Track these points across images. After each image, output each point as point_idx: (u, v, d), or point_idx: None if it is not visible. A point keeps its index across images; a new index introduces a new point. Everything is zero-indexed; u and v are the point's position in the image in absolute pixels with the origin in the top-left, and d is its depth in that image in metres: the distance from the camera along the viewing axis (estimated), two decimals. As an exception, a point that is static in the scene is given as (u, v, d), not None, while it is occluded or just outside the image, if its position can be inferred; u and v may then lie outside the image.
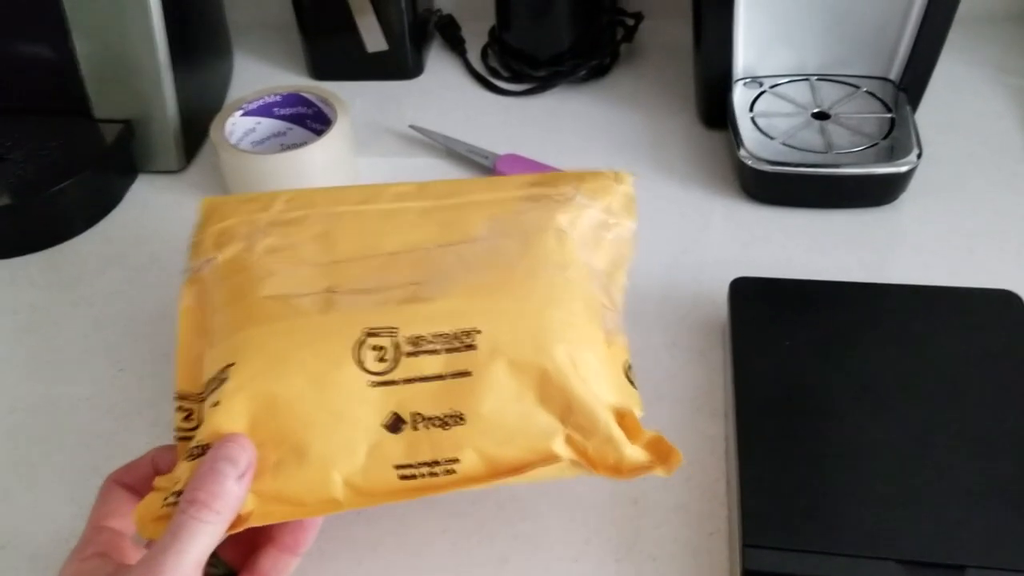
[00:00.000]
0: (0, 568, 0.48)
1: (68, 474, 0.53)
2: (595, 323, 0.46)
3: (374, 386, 0.42)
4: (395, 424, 0.42)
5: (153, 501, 0.41)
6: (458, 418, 0.42)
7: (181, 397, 0.45)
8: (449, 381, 0.42)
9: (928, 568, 0.41)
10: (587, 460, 0.42)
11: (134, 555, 0.41)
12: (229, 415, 0.41)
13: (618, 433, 0.43)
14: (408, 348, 0.42)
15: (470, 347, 0.42)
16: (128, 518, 0.42)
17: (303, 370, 0.42)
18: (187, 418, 0.45)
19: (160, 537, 0.38)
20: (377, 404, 0.42)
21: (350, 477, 0.42)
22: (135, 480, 0.44)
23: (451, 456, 0.42)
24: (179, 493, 0.40)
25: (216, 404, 0.42)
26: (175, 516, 0.38)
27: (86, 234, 0.69)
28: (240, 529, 0.40)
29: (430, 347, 0.42)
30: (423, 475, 0.42)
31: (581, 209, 0.50)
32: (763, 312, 0.54)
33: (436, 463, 0.42)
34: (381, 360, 0.42)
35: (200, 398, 0.44)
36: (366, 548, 0.48)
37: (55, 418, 0.56)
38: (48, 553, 0.49)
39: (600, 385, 0.44)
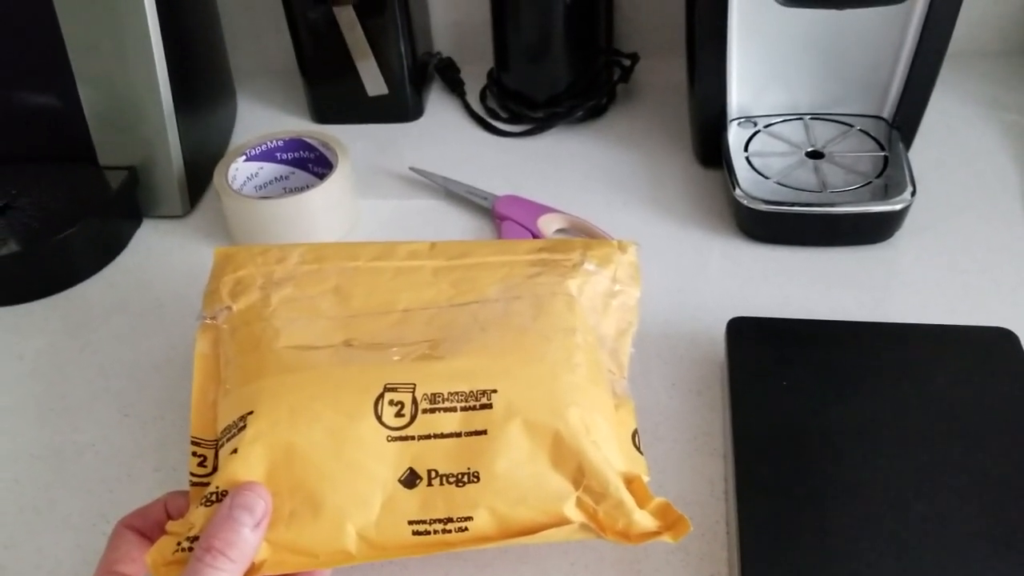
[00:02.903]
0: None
1: (73, 520, 0.53)
2: (604, 388, 0.47)
3: (391, 441, 0.43)
4: (411, 479, 0.43)
5: (166, 545, 0.42)
6: (473, 476, 0.43)
7: (195, 443, 0.46)
8: (465, 439, 0.43)
9: (926, 609, 0.41)
10: (597, 524, 0.43)
11: None
12: (247, 463, 0.42)
13: (628, 498, 0.43)
14: (426, 405, 0.43)
15: (486, 406, 0.43)
16: (139, 563, 0.42)
17: (323, 422, 0.43)
18: (201, 464, 0.45)
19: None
20: (394, 459, 0.43)
21: (364, 530, 0.42)
22: (146, 525, 0.44)
23: (465, 514, 0.43)
24: (193, 539, 0.41)
25: (234, 451, 0.42)
26: (191, 563, 0.39)
27: (92, 280, 0.70)
28: None
29: (447, 405, 0.43)
30: (436, 531, 0.43)
31: (589, 275, 0.52)
32: (761, 352, 0.54)
33: (450, 520, 0.43)
34: (399, 415, 0.43)
35: (215, 444, 0.45)
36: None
37: (60, 464, 0.56)
38: (53, 600, 0.49)
39: (610, 450, 0.44)
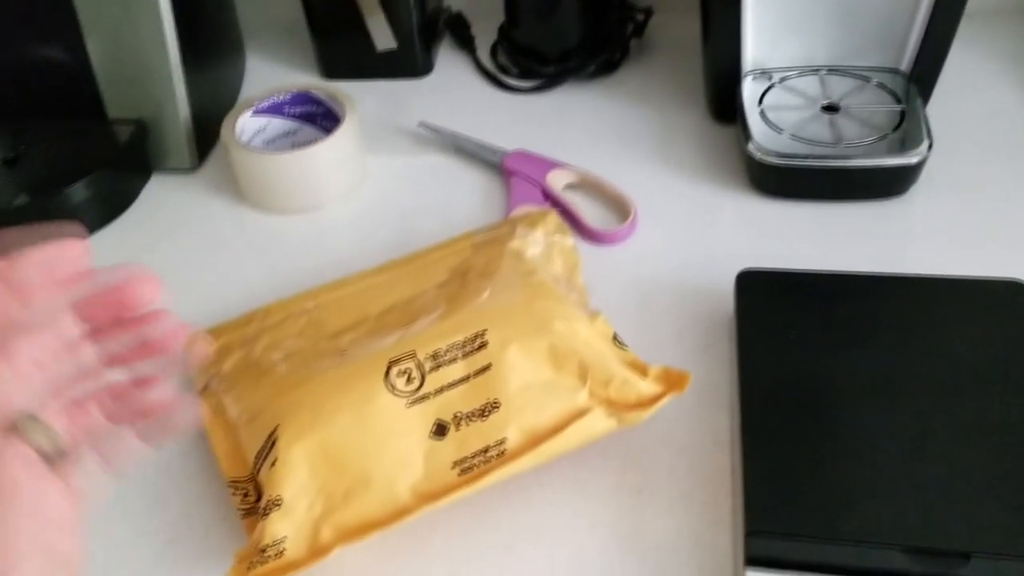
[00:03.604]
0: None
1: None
2: (575, 307, 0.53)
3: (410, 405, 0.47)
4: (440, 430, 0.47)
5: (240, 567, 0.44)
6: (493, 405, 0.47)
7: (234, 483, 0.49)
8: (475, 379, 0.48)
9: (933, 556, 0.41)
10: (612, 405, 0.48)
11: None
12: (289, 467, 0.45)
13: (631, 374, 0.49)
14: (430, 364, 0.48)
15: (482, 345, 0.48)
16: None
17: (343, 410, 0.47)
18: (245, 497, 0.48)
19: None
20: (419, 419, 0.47)
21: (415, 486, 0.46)
22: None
23: (498, 438, 0.47)
24: (264, 549, 0.44)
25: (273, 464, 0.45)
26: None
27: (101, 233, 0.70)
28: (319, 561, 0.44)
29: (449, 357, 0.48)
30: (478, 464, 0.47)
31: (524, 237, 0.58)
32: (769, 304, 0.53)
33: (487, 448, 0.47)
34: (410, 381, 0.47)
35: (253, 475, 0.48)
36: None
37: (68, 412, 0.57)
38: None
39: (602, 349, 0.50)
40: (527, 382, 0.48)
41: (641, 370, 0.50)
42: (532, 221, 0.60)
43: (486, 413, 0.47)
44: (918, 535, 0.42)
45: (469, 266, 0.57)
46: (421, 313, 0.53)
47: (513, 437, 0.47)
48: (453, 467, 0.46)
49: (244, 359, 0.54)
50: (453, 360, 0.48)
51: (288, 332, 0.55)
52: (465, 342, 0.48)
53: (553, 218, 0.61)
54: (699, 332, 0.58)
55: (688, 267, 0.62)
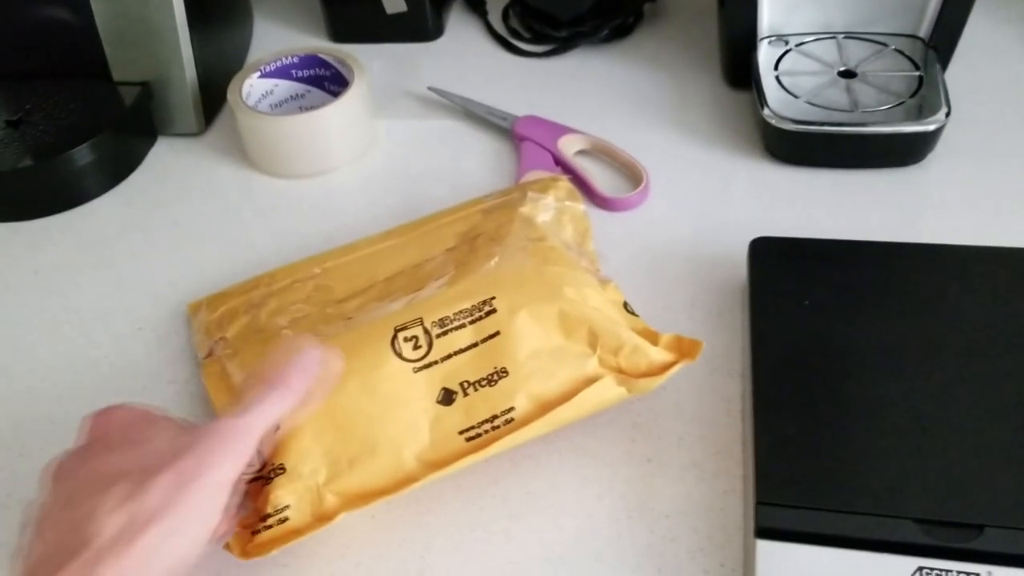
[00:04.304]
0: (15, 523, 0.49)
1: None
2: (586, 273, 0.52)
3: (417, 371, 0.46)
4: (447, 397, 0.46)
5: (244, 533, 0.44)
6: (501, 372, 0.47)
7: None
8: (482, 346, 0.47)
9: (946, 527, 0.40)
10: (622, 372, 0.47)
11: None
12: (293, 433, 0.45)
13: (641, 341, 0.48)
14: (437, 331, 0.47)
15: (491, 312, 0.48)
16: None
17: (350, 377, 0.45)
18: (248, 464, 0.46)
19: (244, 400, 0.41)
20: (425, 385, 0.46)
21: (421, 453, 0.45)
22: None
23: (506, 406, 0.46)
24: (267, 516, 0.44)
25: (277, 428, 0.44)
26: (258, 388, 0.42)
27: (107, 196, 0.70)
28: (331, 522, 0.44)
29: (456, 323, 0.47)
30: (486, 431, 0.46)
31: (534, 202, 0.57)
32: (782, 272, 0.53)
33: (495, 417, 0.46)
34: (416, 347, 0.47)
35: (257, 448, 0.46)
36: (379, 503, 0.48)
37: (75, 376, 0.57)
38: (66, 507, 0.49)
39: (613, 315, 0.49)
40: (536, 349, 0.47)
41: (652, 338, 0.49)
42: (543, 186, 0.59)
43: (494, 380, 0.46)
44: (931, 507, 0.41)
45: (478, 232, 0.56)
46: (429, 279, 0.52)
47: (521, 405, 0.46)
48: (460, 434, 0.46)
49: (249, 324, 0.53)
50: (461, 326, 0.47)
51: (294, 297, 0.54)
52: (473, 308, 0.48)
53: (564, 184, 0.60)
54: (711, 300, 0.57)
55: (701, 234, 0.62)
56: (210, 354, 0.54)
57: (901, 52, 0.69)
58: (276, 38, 0.85)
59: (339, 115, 0.68)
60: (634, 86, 0.76)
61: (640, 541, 0.45)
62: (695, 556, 0.45)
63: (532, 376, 0.47)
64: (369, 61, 0.72)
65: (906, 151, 0.65)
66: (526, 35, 0.82)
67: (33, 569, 0.36)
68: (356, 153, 0.71)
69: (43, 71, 0.73)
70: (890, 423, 0.44)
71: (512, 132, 0.71)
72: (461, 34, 0.84)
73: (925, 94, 0.65)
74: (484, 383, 0.46)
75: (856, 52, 0.69)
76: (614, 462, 0.49)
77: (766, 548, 0.41)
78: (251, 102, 0.69)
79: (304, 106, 0.74)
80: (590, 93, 0.75)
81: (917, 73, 0.67)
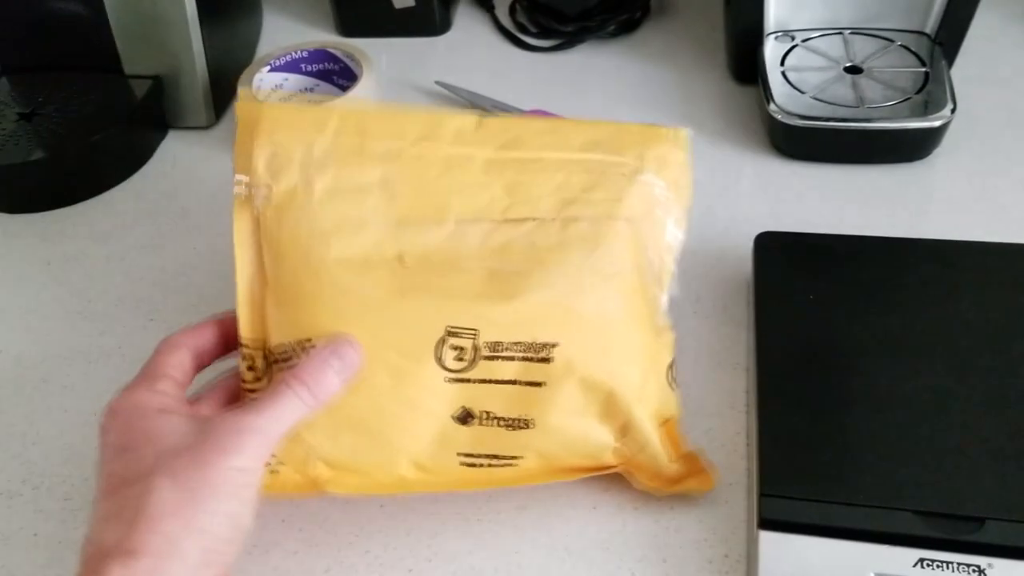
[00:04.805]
0: (35, 507, 0.50)
1: (99, 420, 0.54)
2: (652, 329, 0.48)
3: (449, 382, 0.44)
4: (464, 417, 0.44)
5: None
6: (525, 423, 0.44)
7: (243, 345, 0.45)
8: (521, 387, 0.44)
9: (947, 520, 0.41)
10: (633, 467, 0.46)
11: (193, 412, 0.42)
12: None
13: (663, 455, 0.46)
14: (486, 352, 0.44)
15: (545, 360, 0.44)
16: (188, 378, 0.44)
17: (385, 364, 0.43)
18: (250, 368, 0.45)
19: (259, 399, 0.40)
20: (450, 398, 0.44)
21: (417, 457, 0.44)
22: (196, 345, 0.45)
23: (513, 454, 0.45)
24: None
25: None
26: (276, 383, 0.41)
27: (118, 188, 0.70)
28: (318, 494, 0.43)
29: (507, 353, 0.44)
30: (484, 465, 0.45)
31: (646, 188, 0.48)
32: (788, 266, 0.53)
33: (497, 457, 0.45)
34: (459, 359, 0.44)
35: (267, 355, 0.45)
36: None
37: (87, 366, 0.57)
38: (81, 494, 0.50)
39: (651, 398, 0.46)
40: (568, 419, 0.45)
41: (674, 442, 0.47)
42: (663, 160, 0.49)
43: (514, 426, 0.44)
44: (932, 499, 0.42)
45: (575, 214, 0.47)
46: (506, 256, 0.46)
47: (528, 459, 0.45)
48: (459, 455, 0.45)
49: (299, 194, 0.46)
50: (510, 359, 0.44)
51: (357, 179, 0.47)
52: (531, 347, 0.44)
53: (681, 160, 0.50)
54: (717, 294, 0.58)
55: (706, 228, 0.62)
56: (250, 196, 0.46)
57: (907, 48, 0.69)
58: (285, 32, 0.86)
59: (348, 109, 0.68)
60: (640, 81, 0.76)
61: (646, 531, 0.46)
62: (700, 547, 0.45)
63: (550, 441, 0.45)
64: (377, 55, 0.73)
65: (912, 147, 0.65)
66: (533, 30, 0.83)
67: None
68: (365, 147, 0.71)
69: (55, 65, 0.73)
70: (893, 416, 0.45)
71: (519, 126, 0.71)
72: (468, 29, 0.85)
73: (931, 90, 0.65)
74: (504, 424, 0.44)
75: (862, 48, 0.69)
76: (620, 455, 0.49)
77: (769, 539, 0.41)
78: (261, 96, 0.70)
79: (313, 100, 0.74)
80: (597, 88, 0.76)
81: (923, 69, 0.67)
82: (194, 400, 0.44)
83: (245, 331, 0.45)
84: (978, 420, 0.44)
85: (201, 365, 0.45)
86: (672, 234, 0.50)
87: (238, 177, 0.46)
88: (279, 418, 0.40)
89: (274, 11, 0.88)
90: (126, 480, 0.37)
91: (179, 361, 0.43)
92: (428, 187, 0.47)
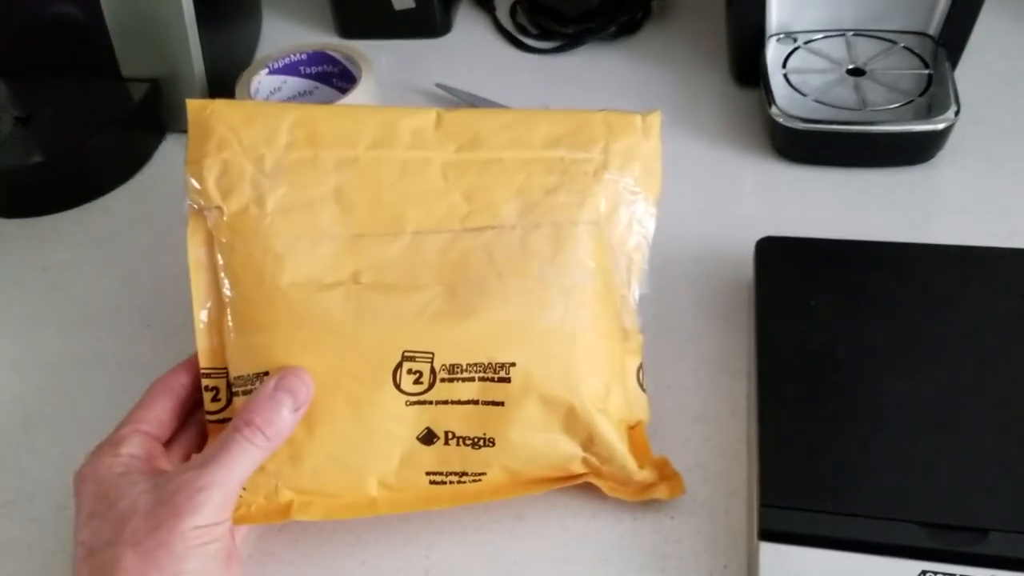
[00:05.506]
0: (29, 517, 0.49)
1: (96, 428, 0.53)
2: (617, 337, 0.47)
3: (410, 405, 0.44)
4: (428, 438, 0.44)
5: None
6: (489, 441, 0.44)
7: (205, 374, 0.45)
8: (482, 407, 0.44)
9: (950, 531, 0.40)
10: (600, 477, 0.46)
11: (166, 465, 0.43)
12: None
13: (631, 462, 0.46)
14: (444, 375, 0.44)
15: (504, 380, 0.44)
16: (165, 427, 0.44)
17: (342, 391, 0.43)
18: (215, 399, 0.45)
19: (208, 449, 0.40)
20: (412, 420, 0.44)
21: (384, 478, 0.44)
22: (183, 385, 0.45)
23: (479, 471, 0.45)
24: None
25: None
26: (227, 432, 0.41)
27: (115, 192, 0.70)
28: (283, 521, 0.43)
29: (465, 375, 0.44)
30: (452, 482, 0.45)
31: (611, 186, 0.47)
32: (789, 271, 0.53)
33: (464, 474, 0.45)
34: (417, 383, 0.44)
35: (225, 374, 0.45)
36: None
37: (83, 373, 0.57)
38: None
39: (616, 406, 0.46)
40: (531, 434, 0.44)
41: (642, 449, 0.47)
42: (630, 153, 0.48)
43: (478, 444, 0.44)
44: (935, 510, 0.41)
45: (537, 220, 0.46)
46: (463, 269, 0.45)
47: (493, 476, 0.45)
48: (427, 475, 0.45)
49: (251, 212, 0.45)
50: (469, 380, 0.44)
51: (310, 192, 0.45)
52: (488, 367, 0.44)
53: (652, 149, 0.49)
54: (717, 299, 0.57)
55: (707, 232, 0.61)
56: (202, 211, 0.46)
57: (910, 50, 0.68)
58: (284, 34, 0.85)
59: (346, 112, 0.68)
60: (641, 83, 0.75)
61: (645, 542, 0.46)
62: (699, 557, 0.45)
63: (514, 456, 0.45)
64: (377, 57, 0.72)
65: (915, 150, 0.64)
66: (534, 32, 0.82)
67: None
68: (363, 150, 0.71)
69: (53, 67, 0.73)
70: (896, 425, 0.44)
71: (519, 129, 0.70)
72: (469, 30, 0.84)
73: (934, 92, 0.65)
74: (468, 443, 0.44)
75: (865, 50, 0.69)
76: (618, 463, 0.49)
77: (770, 550, 0.41)
78: (260, 98, 0.69)
79: (312, 102, 0.74)
80: (598, 89, 0.75)
81: (926, 71, 0.66)
82: (169, 444, 0.45)
83: (205, 359, 0.45)
84: (983, 429, 0.44)
85: (191, 406, 0.46)
86: (641, 230, 0.49)
87: (192, 185, 0.46)
88: (234, 468, 0.40)
89: (273, 13, 0.88)
90: (93, 549, 0.38)
91: (157, 413, 0.44)
92: (384, 196, 0.46)
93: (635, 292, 0.49)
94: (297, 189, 0.46)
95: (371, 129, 0.47)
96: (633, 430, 0.47)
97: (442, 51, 0.82)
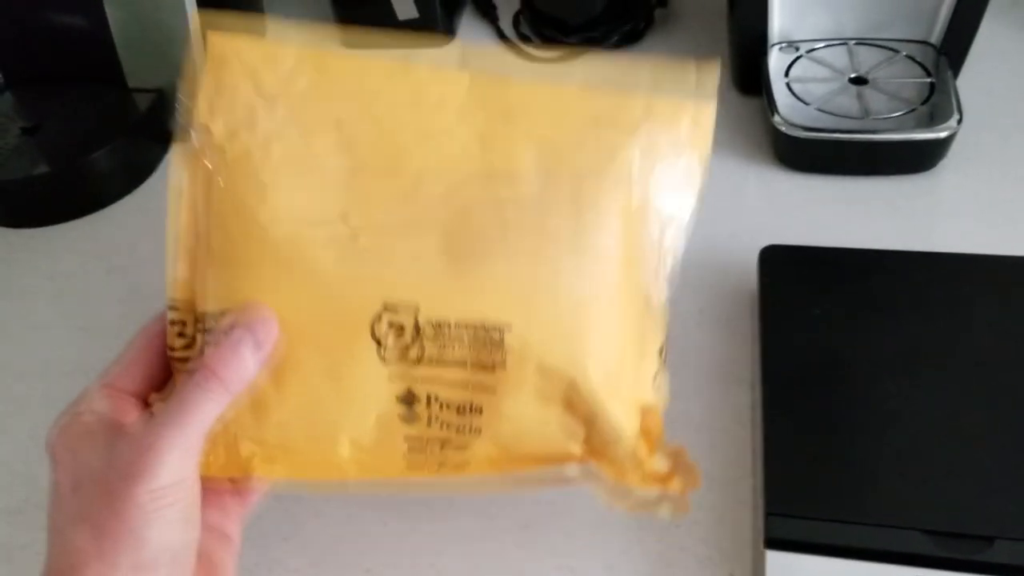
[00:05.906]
0: (39, 525, 0.49)
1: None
2: (639, 301, 0.42)
3: (388, 361, 0.39)
4: (408, 398, 0.40)
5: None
6: (476, 409, 0.40)
7: (172, 307, 0.41)
8: (471, 371, 0.39)
9: (955, 539, 0.40)
10: (601, 458, 0.40)
11: (135, 415, 0.39)
12: None
13: (642, 449, 0.41)
14: (429, 331, 0.39)
15: (497, 343, 0.39)
16: (141, 378, 0.40)
17: (314, 341, 0.39)
18: (180, 335, 0.41)
19: (166, 403, 0.36)
20: (390, 377, 0.40)
21: (357, 438, 0.40)
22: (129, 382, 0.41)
23: (463, 442, 0.40)
24: None
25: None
26: (183, 382, 0.37)
27: (121, 202, 0.70)
28: (244, 477, 0.39)
29: (455, 334, 0.39)
30: (432, 451, 0.40)
31: (651, 146, 0.42)
32: (793, 280, 0.53)
33: (447, 442, 0.40)
34: (399, 338, 0.39)
35: (194, 312, 0.40)
36: (391, 510, 0.48)
37: (89, 382, 0.57)
38: (82, 513, 0.50)
39: (628, 385, 0.41)
40: (524, 407, 0.39)
41: (655, 436, 0.41)
42: (673, 114, 0.42)
43: (463, 412, 0.40)
44: (940, 518, 0.41)
45: (558, 168, 0.41)
46: (466, 219, 0.40)
47: (480, 447, 0.40)
48: (404, 441, 0.40)
49: (244, 143, 0.40)
50: (459, 339, 0.39)
51: (310, 124, 0.41)
52: (479, 327, 0.39)
53: (706, 112, 0.43)
54: (721, 308, 0.57)
55: (710, 241, 0.62)
56: (188, 134, 0.41)
57: (912, 58, 0.69)
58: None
59: (351, 122, 0.68)
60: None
61: (651, 550, 0.46)
62: (705, 565, 0.45)
63: (504, 426, 0.40)
64: (381, 67, 0.73)
65: (917, 158, 0.65)
66: (536, 40, 0.82)
67: None
68: (368, 159, 0.71)
69: (58, 78, 0.73)
70: (900, 433, 0.44)
71: (523, 138, 0.70)
72: (472, 40, 0.84)
73: (936, 101, 0.65)
74: (452, 410, 0.40)
75: (867, 58, 0.69)
76: (624, 471, 0.49)
77: (775, 559, 0.41)
78: (264, 109, 0.70)
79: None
80: (601, 99, 0.76)
81: (928, 80, 0.67)
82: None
83: (174, 290, 0.41)
84: (988, 437, 0.44)
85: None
86: (681, 195, 0.44)
87: (182, 102, 0.42)
88: (188, 420, 0.35)
89: (277, 23, 0.88)
90: (56, 527, 0.36)
91: (130, 365, 0.40)
92: (388, 127, 0.41)
93: (667, 262, 0.43)
94: (296, 114, 0.41)
95: (386, 71, 0.42)
96: (648, 413, 0.41)
97: (445, 60, 0.82)
